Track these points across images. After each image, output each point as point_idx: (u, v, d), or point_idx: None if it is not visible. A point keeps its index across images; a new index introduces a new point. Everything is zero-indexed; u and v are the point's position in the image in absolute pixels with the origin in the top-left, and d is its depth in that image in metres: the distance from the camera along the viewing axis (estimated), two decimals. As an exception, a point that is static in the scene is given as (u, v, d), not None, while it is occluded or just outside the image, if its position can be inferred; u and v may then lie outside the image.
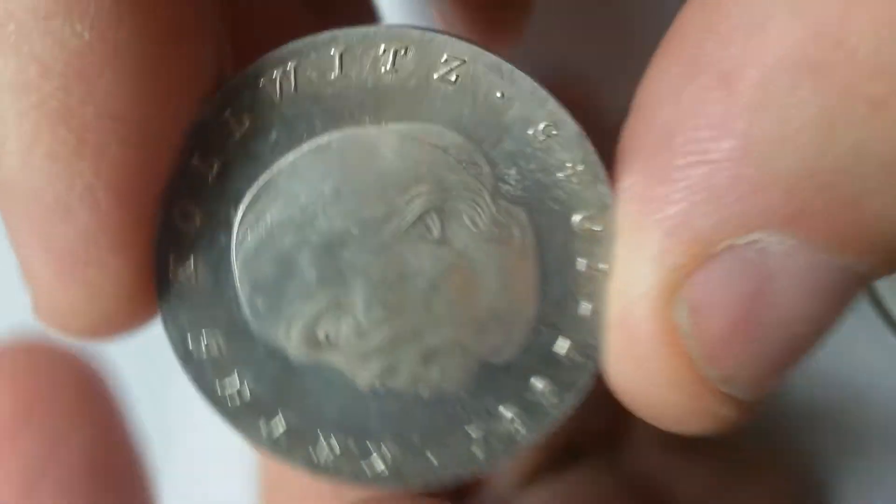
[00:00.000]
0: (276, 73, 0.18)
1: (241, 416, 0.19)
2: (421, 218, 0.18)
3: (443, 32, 0.18)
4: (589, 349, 0.19)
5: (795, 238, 0.17)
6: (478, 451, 0.19)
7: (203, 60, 0.18)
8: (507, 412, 0.19)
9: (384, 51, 0.18)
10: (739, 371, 0.18)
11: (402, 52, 0.18)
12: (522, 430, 0.19)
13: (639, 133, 0.18)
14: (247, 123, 0.18)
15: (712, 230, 0.17)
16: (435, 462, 0.19)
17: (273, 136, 0.18)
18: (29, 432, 0.23)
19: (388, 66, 0.18)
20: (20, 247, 0.17)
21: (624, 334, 0.18)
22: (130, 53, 0.16)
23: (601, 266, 0.18)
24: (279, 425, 0.19)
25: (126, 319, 0.18)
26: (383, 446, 0.19)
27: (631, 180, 0.18)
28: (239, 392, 0.19)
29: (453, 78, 0.18)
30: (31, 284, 0.18)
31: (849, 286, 0.17)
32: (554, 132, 0.18)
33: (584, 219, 0.18)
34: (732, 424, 0.19)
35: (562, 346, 0.19)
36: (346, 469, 0.19)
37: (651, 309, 0.17)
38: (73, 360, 0.24)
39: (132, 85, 0.16)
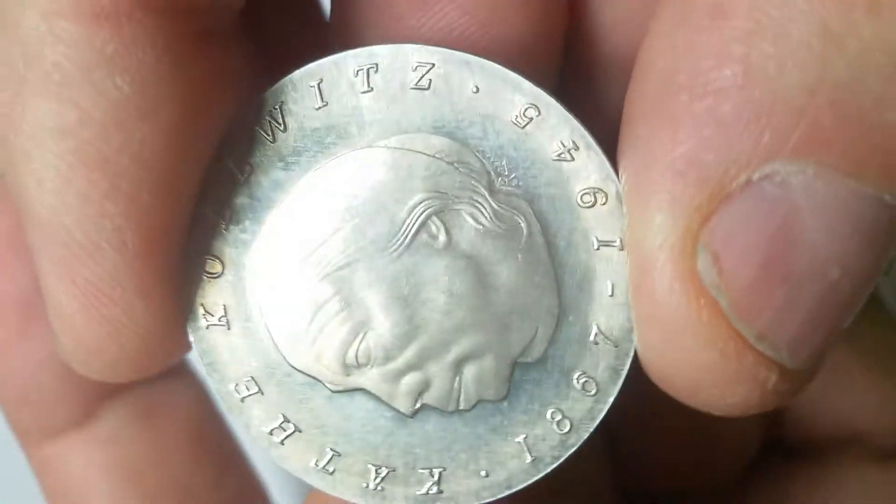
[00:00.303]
0: (265, 117, 0.19)
1: (288, 450, 0.19)
2: (424, 226, 0.18)
3: (409, 42, 0.18)
4: (621, 331, 0.18)
5: (813, 165, 0.15)
6: (528, 460, 0.18)
7: (229, 110, 0.19)
8: (551, 413, 0.18)
9: (357, 72, 0.18)
10: (775, 324, 0.16)
11: (374, 69, 0.18)
12: (569, 432, 0.18)
13: (641, 86, 0.17)
14: (248, 169, 0.19)
15: (725, 165, 0.16)
16: (485, 477, 0.18)
17: (273, 176, 0.19)
18: (24, 254, 0.23)
19: (365, 86, 0.18)
20: (48, 283, 0.18)
21: (647, 296, 0.17)
22: (167, 108, 0.17)
23: (615, 238, 0.18)
24: (326, 455, 0.19)
25: (148, 360, 0.19)
26: (432, 468, 0.19)
27: (637, 131, 0.17)
28: (283, 427, 0.19)
29: (427, 83, 0.18)
30: (57, 321, 0.18)
31: (881, 221, 0.16)
32: (535, 114, 0.18)
33: (586, 194, 0.18)
34: (780, 397, 0.17)
35: (592, 331, 0.18)
36: (397, 493, 0.19)
37: (672, 261, 0.16)
38: None
39: (166, 138, 0.17)
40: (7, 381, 0.25)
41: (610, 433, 0.20)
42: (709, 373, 0.17)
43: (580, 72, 0.21)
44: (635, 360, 0.18)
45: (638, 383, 0.18)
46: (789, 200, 0.16)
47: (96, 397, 0.25)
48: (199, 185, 0.19)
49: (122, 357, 0.18)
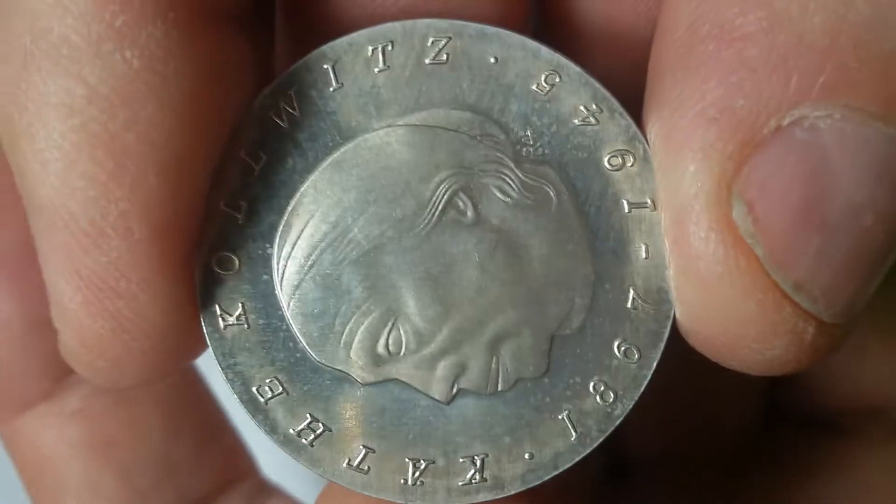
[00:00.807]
0: (278, 102, 0.18)
1: (318, 452, 0.18)
2: (451, 202, 0.18)
3: (422, 18, 0.18)
4: (659, 293, 0.17)
5: (841, 108, 0.16)
6: (573, 437, 0.18)
7: (241, 98, 0.18)
8: (594, 385, 0.18)
9: (372, 51, 0.18)
10: (811, 273, 0.16)
11: (389, 46, 0.18)
12: (614, 401, 0.18)
13: (665, 39, 0.17)
14: (263, 158, 0.18)
15: (756, 110, 0.16)
16: (531, 459, 0.18)
17: (290, 163, 0.18)
18: (10, 210, 0.22)
19: (381, 65, 0.18)
20: (51, 274, 0.17)
21: (683, 248, 0.16)
22: (176, 86, 0.16)
23: (646, 199, 0.17)
24: (359, 454, 0.18)
25: (156, 361, 0.18)
26: (474, 455, 0.18)
27: (664, 83, 0.17)
28: (311, 427, 0.18)
29: (444, 57, 0.18)
30: (59, 317, 0.17)
31: None
32: (557, 79, 0.18)
33: (613, 157, 0.18)
34: (818, 353, 0.17)
35: (630, 297, 0.18)
36: (439, 486, 0.18)
37: (707, 210, 0.16)
38: None
39: (175, 116, 0.16)
40: None
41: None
42: (747, 326, 0.16)
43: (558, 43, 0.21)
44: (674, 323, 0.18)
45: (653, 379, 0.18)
46: (819, 145, 0.16)
47: (63, 367, 0.23)
48: (211, 174, 0.18)
49: (127, 357, 0.17)
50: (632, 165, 0.18)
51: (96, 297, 0.17)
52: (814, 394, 0.26)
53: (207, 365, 0.24)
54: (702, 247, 0.16)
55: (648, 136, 0.17)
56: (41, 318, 0.22)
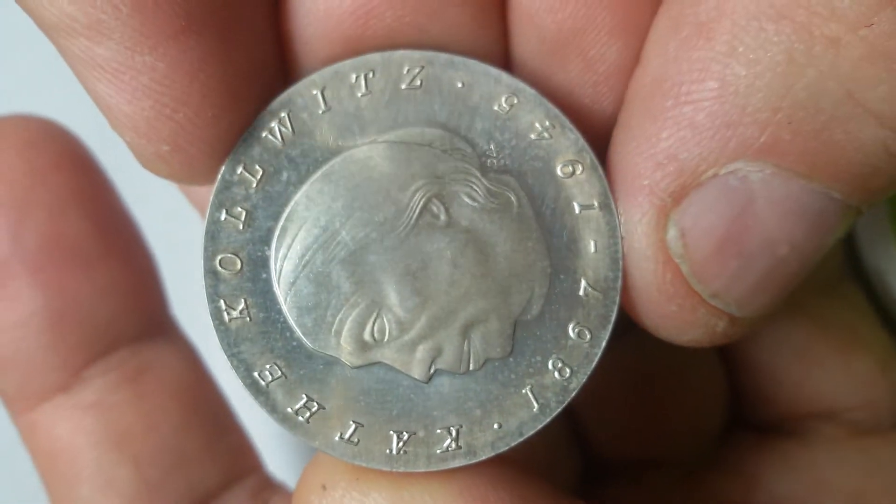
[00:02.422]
0: (274, 124, 0.21)
1: (313, 427, 0.20)
2: (426, 208, 0.21)
3: (400, 48, 0.21)
4: (606, 281, 0.20)
5: (771, 166, 0.19)
6: (535, 408, 0.20)
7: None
8: (552, 363, 0.20)
9: (355, 78, 0.21)
10: (726, 287, 0.20)
11: (371, 74, 0.21)
12: (570, 377, 0.20)
13: (637, 83, 0.20)
14: (260, 172, 0.21)
15: (697, 161, 0.19)
16: (499, 429, 0.20)
17: (284, 176, 0.21)
18: (35, 207, 0.23)
19: (363, 90, 0.21)
20: (88, 85, 0.19)
21: (630, 256, 0.20)
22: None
23: (594, 202, 0.20)
24: (349, 428, 0.20)
25: (204, 132, 0.19)
26: (450, 426, 0.20)
27: (630, 122, 0.20)
28: (307, 405, 0.20)
29: (418, 83, 0.21)
30: (115, 123, 0.19)
31: (827, 211, 0.19)
32: (515, 101, 0.21)
33: (565, 166, 0.21)
34: (729, 337, 0.21)
35: (582, 285, 0.20)
36: (420, 454, 0.20)
37: (646, 234, 0.20)
38: (68, 135, 0.24)
39: None
40: None
41: (574, 403, 0.22)
42: (669, 319, 0.20)
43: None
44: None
45: (603, 356, 0.21)
46: (748, 192, 0.19)
47: (82, 360, 0.25)
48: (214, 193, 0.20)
49: (181, 133, 0.19)
50: (581, 173, 0.21)
51: (123, 81, 0.18)
52: (770, 399, 0.28)
53: (215, 364, 0.26)
54: (641, 259, 0.20)
55: (610, 161, 0.20)
56: (62, 312, 0.24)
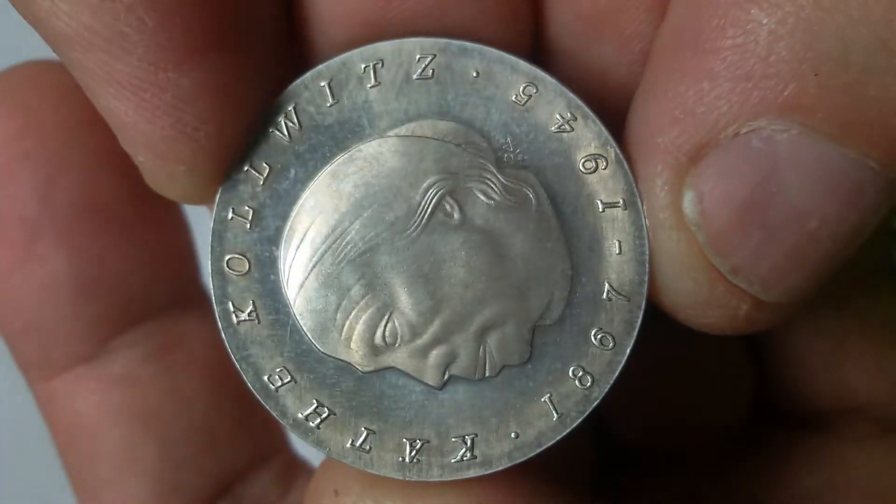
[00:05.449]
0: (279, 119, 0.20)
1: (324, 434, 0.20)
2: (439, 206, 0.19)
3: (420, 35, 0.19)
4: (631, 285, 0.19)
5: (798, 125, 0.17)
6: (555, 418, 0.19)
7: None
8: (573, 371, 0.19)
9: (364, 69, 0.20)
10: (748, 263, 0.18)
11: (380, 64, 0.19)
12: (591, 385, 0.19)
13: (659, 37, 0.19)
14: (267, 169, 0.20)
15: (716, 116, 0.17)
16: (516, 438, 0.19)
17: (292, 173, 0.20)
18: (68, 165, 0.22)
19: (372, 81, 0.20)
20: (101, 101, 0.18)
21: (650, 225, 0.19)
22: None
23: (619, 199, 0.19)
24: (361, 435, 0.20)
25: (223, 148, 0.19)
26: (464, 435, 0.20)
27: (649, 77, 0.19)
28: (317, 411, 0.20)
29: (430, 72, 0.19)
30: (128, 142, 0.18)
31: (864, 183, 0.17)
32: (534, 91, 0.19)
33: (587, 161, 0.19)
34: (753, 324, 0.19)
35: (605, 289, 0.19)
36: (433, 463, 0.19)
37: (660, 197, 0.18)
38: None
39: None
40: (10, 309, 0.23)
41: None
42: (685, 296, 0.19)
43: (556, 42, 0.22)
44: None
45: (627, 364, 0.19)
46: (773, 155, 0.17)
47: (108, 330, 0.23)
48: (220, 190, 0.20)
49: (199, 153, 0.18)
50: (604, 168, 0.19)
51: (143, 98, 0.18)
52: (799, 392, 0.27)
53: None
54: (654, 227, 0.19)
55: (628, 124, 0.19)
56: (90, 278, 0.22)
